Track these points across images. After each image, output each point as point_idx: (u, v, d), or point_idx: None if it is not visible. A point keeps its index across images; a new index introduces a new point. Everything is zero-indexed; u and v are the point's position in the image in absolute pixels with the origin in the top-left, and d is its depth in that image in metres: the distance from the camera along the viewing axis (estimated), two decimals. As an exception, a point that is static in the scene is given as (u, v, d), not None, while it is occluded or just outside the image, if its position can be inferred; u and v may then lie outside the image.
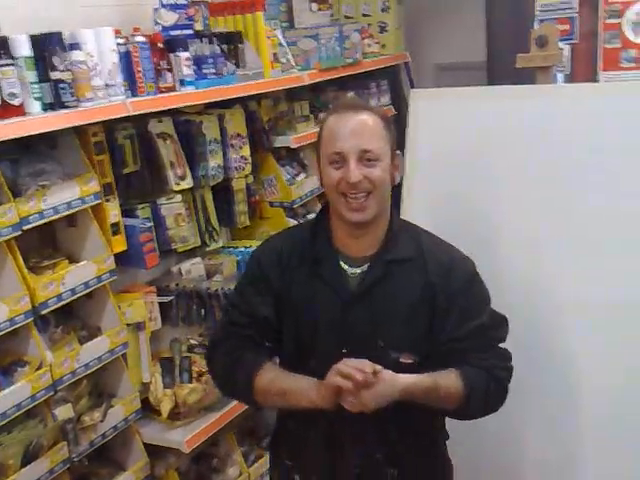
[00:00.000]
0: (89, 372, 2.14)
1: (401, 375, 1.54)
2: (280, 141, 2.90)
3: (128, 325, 2.29)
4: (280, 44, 2.81)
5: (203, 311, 2.58)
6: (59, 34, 1.88)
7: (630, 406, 1.97)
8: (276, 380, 1.62)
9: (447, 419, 1.76)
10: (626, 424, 1.98)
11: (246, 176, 2.76)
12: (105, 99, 2.02)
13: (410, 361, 1.60)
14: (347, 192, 1.56)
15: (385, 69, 3.58)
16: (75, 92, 1.92)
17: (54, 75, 1.87)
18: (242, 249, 2.81)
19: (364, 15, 3.46)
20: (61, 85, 1.88)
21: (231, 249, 2.83)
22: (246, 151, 2.70)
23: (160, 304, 2.50)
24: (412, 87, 3.86)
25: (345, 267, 1.65)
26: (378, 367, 1.49)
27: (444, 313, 1.62)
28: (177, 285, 2.59)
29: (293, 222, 2.90)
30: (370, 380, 1.48)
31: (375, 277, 1.62)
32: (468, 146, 2.16)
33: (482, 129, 2.13)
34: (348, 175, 1.54)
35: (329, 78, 3.06)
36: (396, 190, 1.80)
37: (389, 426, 1.62)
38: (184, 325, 2.61)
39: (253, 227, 2.90)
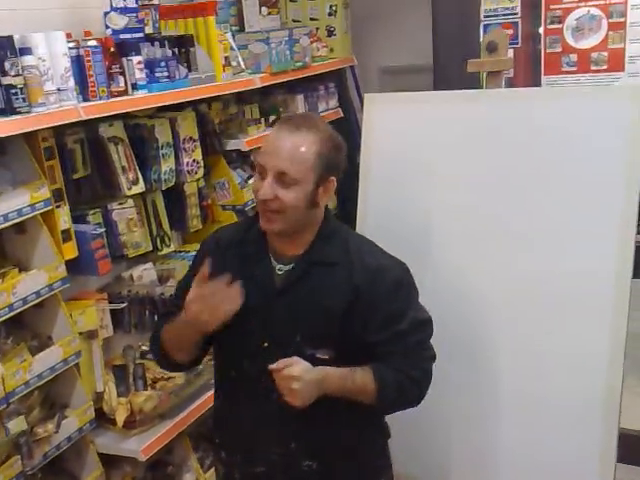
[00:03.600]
0: (42, 383, 2.09)
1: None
2: (232, 144, 2.89)
3: (80, 334, 2.25)
4: (231, 48, 2.80)
5: (156, 317, 2.55)
6: (10, 38, 1.83)
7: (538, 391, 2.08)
8: (168, 325, 1.75)
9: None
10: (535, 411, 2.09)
11: (198, 180, 2.74)
12: (57, 104, 1.97)
13: (326, 357, 1.67)
14: (260, 206, 1.65)
15: (333, 72, 3.61)
16: (27, 97, 1.87)
17: (5, 80, 1.82)
18: (194, 253, 2.77)
19: (312, 19, 3.48)
20: (13, 90, 1.83)
21: (183, 253, 2.81)
22: (198, 154, 2.68)
23: (111, 311, 2.47)
24: (358, 90, 3.92)
25: (274, 264, 1.72)
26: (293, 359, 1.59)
27: (366, 317, 1.68)
28: (129, 291, 2.56)
29: (245, 226, 2.90)
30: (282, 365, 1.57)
31: (297, 276, 1.70)
32: (420, 150, 2.21)
33: (434, 133, 2.18)
34: (260, 190, 1.62)
35: (279, 81, 3.06)
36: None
37: (308, 418, 1.66)
38: (136, 332, 2.58)
39: (205, 231, 2.88)
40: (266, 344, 1.67)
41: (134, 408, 2.30)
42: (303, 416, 1.65)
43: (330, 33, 3.49)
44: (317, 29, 3.46)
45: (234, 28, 2.95)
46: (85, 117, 2.03)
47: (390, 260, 1.74)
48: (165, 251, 2.69)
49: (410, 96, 2.27)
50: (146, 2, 2.51)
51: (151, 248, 2.61)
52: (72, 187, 2.29)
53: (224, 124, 2.93)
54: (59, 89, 1.98)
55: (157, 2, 2.70)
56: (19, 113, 1.86)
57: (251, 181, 3.02)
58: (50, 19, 2.30)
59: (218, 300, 1.60)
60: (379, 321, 1.68)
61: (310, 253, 1.70)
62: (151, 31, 2.53)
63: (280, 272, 1.71)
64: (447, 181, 2.18)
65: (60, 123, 1.99)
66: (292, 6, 3.50)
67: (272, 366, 1.58)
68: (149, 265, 2.69)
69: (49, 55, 1.95)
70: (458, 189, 2.18)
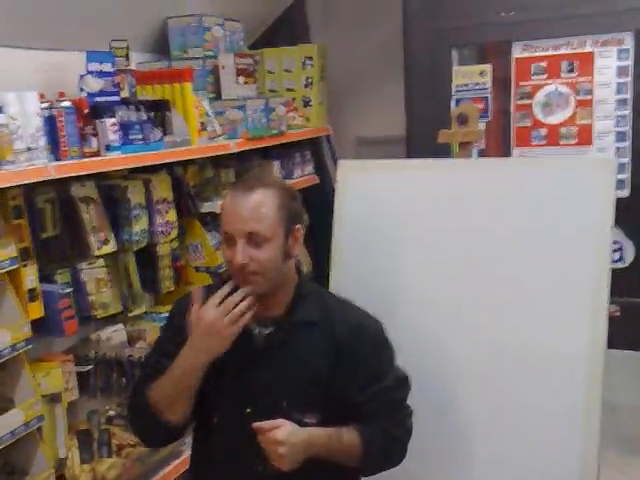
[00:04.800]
0: (0, 447, 2.01)
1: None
2: (207, 207, 2.90)
3: (44, 396, 2.18)
4: (207, 114, 2.85)
5: (124, 380, 2.50)
6: (-19, 96, 1.85)
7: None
8: (160, 380, 1.67)
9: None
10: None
11: (172, 241, 2.74)
12: (27, 162, 1.97)
13: (314, 421, 1.64)
14: (236, 271, 1.62)
15: (309, 140, 3.67)
16: (-4, 155, 1.88)
17: (-25, 138, 1.82)
18: (166, 314, 2.74)
19: (288, 89, 3.56)
20: (-19, 148, 1.84)
21: (154, 315, 2.77)
22: (172, 216, 2.68)
23: (78, 373, 2.41)
24: (334, 158, 3.99)
25: (252, 327, 1.69)
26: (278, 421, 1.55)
27: (349, 375, 1.67)
28: (96, 353, 2.51)
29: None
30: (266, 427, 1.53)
31: (279, 338, 1.67)
32: (391, 215, 2.25)
33: (405, 199, 2.23)
34: (235, 257, 1.60)
35: (255, 147, 3.11)
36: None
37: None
38: (102, 395, 2.51)
39: (178, 292, 2.85)
40: (249, 410, 1.63)
41: (97, 476, 2.23)
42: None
43: (306, 104, 3.57)
44: (294, 99, 3.54)
45: (211, 95, 3.00)
46: (56, 176, 2.03)
47: (368, 318, 1.75)
48: (136, 312, 2.65)
49: (382, 163, 2.32)
50: (122, 67, 2.57)
51: (121, 309, 2.58)
52: (40, 246, 2.27)
53: (199, 187, 2.95)
54: (29, 148, 1.98)
55: (133, 67, 2.78)
56: (-13, 170, 1.85)
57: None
58: (26, 80, 2.33)
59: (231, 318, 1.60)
60: (363, 379, 1.67)
61: (291, 314, 1.69)
62: (127, 95, 2.57)
63: (260, 335, 1.69)
64: (418, 246, 2.22)
65: (30, 181, 1.98)
66: (269, 77, 3.58)
67: (256, 424, 1.53)
68: (119, 326, 2.64)
69: (21, 114, 1.96)
70: (429, 255, 2.21)
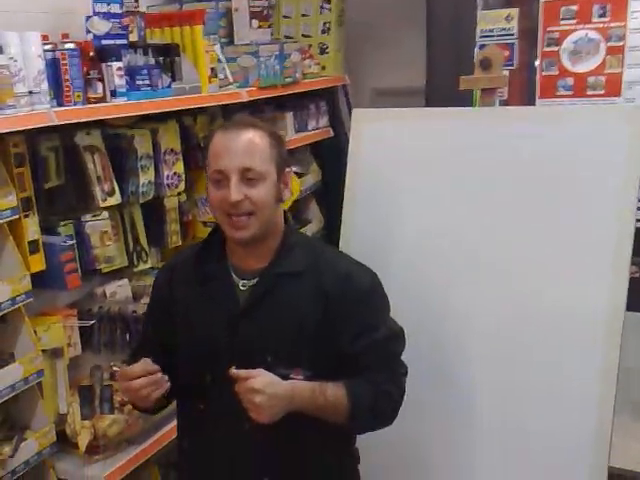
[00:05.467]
0: (0, 402, 1.96)
1: None
2: (216, 159, 2.79)
3: (44, 351, 2.13)
4: (219, 60, 2.71)
5: (128, 336, 2.44)
6: (-21, 35, 1.74)
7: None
8: None
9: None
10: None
11: (179, 194, 2.64)
12: (28, 107, 1.87)
13: (300, 377, 1.57)
14: (229, 212, 1.55)
15: (324, 91, 3.53)
16: (-5, 98, 1.78)
17: (-29, 79, 1.72)
18: (172, 270, 2.67)
19: (304, 36, 3.40)
20: (-21, 90, 1.73)
21: (160, 270, 2.69)
22: (180, 167, 2.58)
23: (81, 328, 2.35)
24: (350, 110, 3.85)
25: (236, 280, 1.64)
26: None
27: (339, 326, 1.59)
28: (100, 308, 2.44)
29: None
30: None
31: (262, 291, 1.61)
32: (407, 166, 2.13)
33: (422, 150, 2.11)
34: (229, 194, 1.53)
35: (267, 97, 2.98)
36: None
37: (276, 450, 1.60)
38: (106, 351, 2.45)
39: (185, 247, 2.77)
40: (234, 367, 1.54)
41: (98, 432, 2.18)
42: (275, 447, 1.58)
43: (322, 51, 3.42)
44: (310, 46, 3.38)
45: (223, 40, 2.86)
46: (58, 122, 1.93)
47: (360, 267, 1.68)
48: (141, 267, 2.57)
49: (399, 112, 2.19)
50: (132, 9, 2.43)
51: (127, 263, 2.50)
52: (44, 197, 2.18)
53: (209, 138, 2.83)
54: (31, 92, 1.88)
55: (143, 10, 2.64)
56: (-15, 114, 1.75)
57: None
58: (31, 22, 2.20)
59: (146, 391, 1.54)
60: (353, 330, 1.60)
61: (275, 264, 1.62)
62: (136, 39, 2.44)
63: (244, 288, 1.63)
64: (435, 199, 2.10)
65: (30, 127, 1.88)
66: (285, 22, 3.42)
67: (233, 371, 1.48)
68: (124, 281, 2.57)
69: (22, 56, 1.85)
70: (446, 208, 2.10)
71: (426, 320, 2.01)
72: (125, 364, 1.83)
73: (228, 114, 2.98)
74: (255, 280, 1.63)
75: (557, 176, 1.96)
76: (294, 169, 3.43)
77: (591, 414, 1.88)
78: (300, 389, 1.55)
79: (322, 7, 3.36)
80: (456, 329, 2.04)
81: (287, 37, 3.40)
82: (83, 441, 2.15)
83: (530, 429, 1.96)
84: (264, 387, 1.48)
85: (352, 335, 1.61)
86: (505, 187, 2.02)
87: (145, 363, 1.55)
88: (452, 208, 2.08)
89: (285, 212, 1.72)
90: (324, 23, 3.38)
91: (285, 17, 3.42)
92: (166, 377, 1.55)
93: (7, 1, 2.17)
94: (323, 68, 3.41)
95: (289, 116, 3.27)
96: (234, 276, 1.65)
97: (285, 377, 1.54)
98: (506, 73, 2.65)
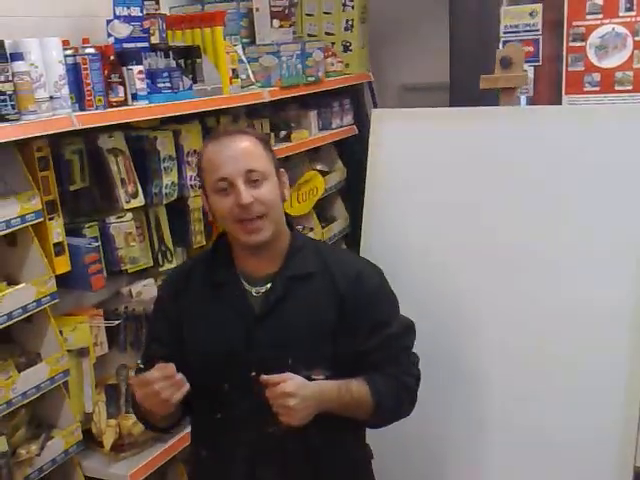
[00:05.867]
0: (26, 402, 2.00)
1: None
2: (239, 159, 2.80)
3: (70, 351, 2.16)
4: (240, 60, 2.73)
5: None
6: (0, 42, 1.77)
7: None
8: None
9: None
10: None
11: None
12: (49, 112, 1.90)
13: (322, 377, 1.58)
14: (241, 217, 1.55)
15: (349, 88, 3.52)
16: (17, 104, 1.81)
17: (-6, 86, 1.75)
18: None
19: (327, 34, 3.41)
20: (1, 97, 1.76)
21: (185, 270, 2.72)
22: (202, 169, 2.59)
23: (107, 328, 2.38)
24: (375, 107, 3.83)
25: (247, 287, 1.63)
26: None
27: (353, 324, 1.61)
28: (126, 308, 2.47)
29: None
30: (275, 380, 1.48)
31: (277, 295, 1.61)
32: (427, 167, 2.13)
33: (443, 151, 2.11)
34: (239, 198, 1.53)
35: (290, 96, 2.99)
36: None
37: (298, 450, 1.61)
38: (132, 350, 2.48)
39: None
40: (254, 373, 1.55)
41: (123, 431, 2.21)
42: (296, 447, 1.59)
43: (346, 48, 3.41)
44: (333, 44, 3.38)
45: (245, 40, 2.88)
46: (79, 127, 1.96)
47: (368, 265, 1.70)
48: (167, 267, 2.59)
49: (419, 112, 2.18)
50: (152, 11, 2.45)
51: (152, 264, 2.53)
52: (70, 199, 2.22)
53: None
54: (52, 97, 1.92)
55: (164, 12, 2.66)
56: (7, 120, 1.78)
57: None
58: (53, 27, 2.24)
59: (166, 394, 1.48)
60: (368, 327, 1.62)
61: (286, 268, 1.63)
62: (157, 41, 2.46)
63: (257, 295, 1.63)
64: (456, 201, 2.09)
65: (51, 132, 1.91)
66: (308, 20, 3.42)
67: (264, 377, 1.48)
68: (149, 281, 2.59)
69: (42, 61, 1.88)
70: (467, 209, 2.09)
71: (443, 320, 2.00)
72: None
73: (252, 114, 3.00)
74: (268, 285, 1.62)
75: (583, 176, 1.95)
76: (319, 167, 3.44)
77: (617, 412, 1.86)
78: (328, 389, 1.56)
79: (344, 4, 3.36)
80: (476, 329, 2.04)
81: (310, 35, 3.41)
82: (108, 440, 2.19)
83: (554, 427, 1.95)
84: (296, 390, 1.48)
85: (366, 332, 1.62)
86: (526, 187, 2.02)
87: (161, 367, 1.51)
88: (473, 210, 2.07)
89: (287, 214, 1.71)
90: (347, 20, 3.38)
91: (308, 15, 3.43)
92: (184, 378, 1.52)
93: (29, 8, 2.22)
94: (347, 66, 3.41)
95: (312, 114, 3.27)
96: (245, 283, 1.65)
97: (307, 378, 1.54)
98: (531, 71, 2.63)
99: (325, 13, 3.40)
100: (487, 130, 2.06)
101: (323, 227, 3.37)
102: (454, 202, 2.09)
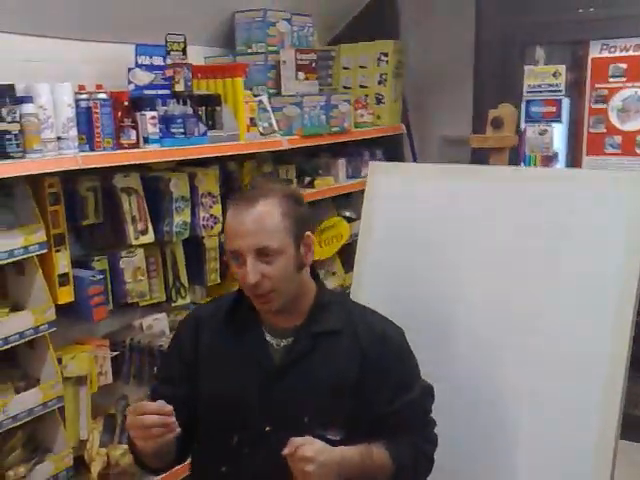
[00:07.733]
0: (17, 424, 2.09)
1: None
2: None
3: (68, 379, 2.26)
4: (264, 109, 2.83)
5: (155, 369, 2.54)
6: (10, 86, 1.92)
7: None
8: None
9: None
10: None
11: (219, 234, 2.75)
12: (55, 152, 2.04)
13: (337, 438, 1.52)
14: (251, 291, 1.53)
15: (382, 139, 3.57)
16: (22, 143, 1.95)
17: (1, 126, 1.90)
18: (210, 307, 2.76)
19: (362, 86, 3.50)
20: (7, 136, 1.91)
21: (198, 307, 2.80)
22: (217, 210, 2.69)
23: (113, 358, 2.48)
24: (414, 158, 3.87)
25: (269, 338, 1.59)
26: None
27: (375, 386, 1.56)
28: (132, 340, 2.56)
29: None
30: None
31: (301, 351, 1.56)
32: (420, 222, 2.12)
33: (434, 206, 2.09)
34: (247, 275, 1.49)
35: (315, 144, 3.06)
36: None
37: None
38: (135, 382, 2.56)
39: (223, 286, 2.87)
40: (268, 428, 1.53)
41: (111, 461, 2.27)
42: None
43: (379, 101, 3.48)
44: (366, 96, 3.46)
45: (271, 90, 2.98)
46: (83, 166, 2.09)
47: (392, 326, 1.65)
48: (180, 302, 2.69)
49: (413, 167, 2.21)
50: (178, 61, 2.59)
51: (164, 298, 2.63)
52: (86, 233, 2.37)
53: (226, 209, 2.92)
54: (60, 137, 2.05)
55: (200, 61, 2.80)
56: (11, 158, 1.92)
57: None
58: (81, 71, 2.40)
59: (157, 430, 1.42)
60: (390, 390, 1.58)
61: (310, 323, 1.58)
62: (182, 88, 2.59)
63: (278, 347, 1.59)
64: (443, 256, 2.08)
65: (55, 170, 2.04)
66: (344, 73, 3.53)
67: (286, 451, 1.40)
68: (162, 315, 2.69)
69: (52, 105, 2.02)
70: (454, 264, 2.07)
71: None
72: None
73: (278, 160, 3.10)
74: (290, 339, 1.58)
75: (567, 240, 1.91)
76: (347, 213, 3.49)
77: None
78: (350, 455, 1.50)
79: (379, 59, 3.45)
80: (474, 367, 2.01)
81: (345, 87, 3.50)
82: (95, 468, 2.26)
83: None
84: (316, 455, 1.42)
85: (388, 395, 1.58)
86: (510, 244, 1.99)
87: (160, 402, 1.44)
88: (461, 269, 2.05)
89: (313, 267, 1.65)
90: (380, 74, 3.46)
91: (345, 68, 3.53)
92: (177, 423, 1.43)
93: (58, 55, 2.39)
94: (378, 117, 3.47)
95: (341, 162, 3.35)
96: (267, 334, 1.60)
97: (322, 437, 1.49)
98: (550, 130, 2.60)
99: (361, 67, 3.49)
100: (478, 188, 2.05)
101: (346, 272, 3.39)
102: (444, 258, 2.08)
